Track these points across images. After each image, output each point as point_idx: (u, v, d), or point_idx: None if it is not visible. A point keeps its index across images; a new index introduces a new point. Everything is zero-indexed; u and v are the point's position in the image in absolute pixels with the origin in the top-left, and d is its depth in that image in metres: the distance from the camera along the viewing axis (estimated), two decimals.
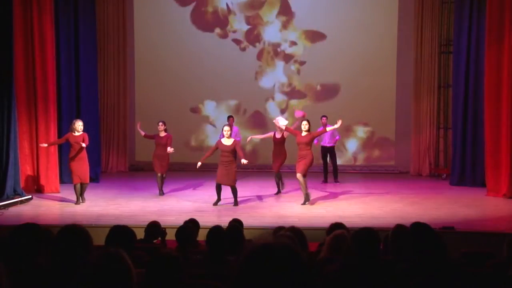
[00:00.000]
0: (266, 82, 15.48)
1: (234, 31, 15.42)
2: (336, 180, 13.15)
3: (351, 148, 15.24)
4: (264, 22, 15.41)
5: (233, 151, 10.08)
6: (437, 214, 9.40)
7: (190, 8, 15.47)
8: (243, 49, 15.40)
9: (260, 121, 15.21)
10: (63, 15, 12.34)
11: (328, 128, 10.73)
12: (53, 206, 10.33)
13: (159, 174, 11.15)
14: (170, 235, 5.94)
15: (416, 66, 14.85)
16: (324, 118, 12.97)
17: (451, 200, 10.84)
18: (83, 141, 10.15)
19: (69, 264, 2.96)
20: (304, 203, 10.11)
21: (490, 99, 11.36)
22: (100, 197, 10.90)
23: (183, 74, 15.40)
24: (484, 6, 11.70)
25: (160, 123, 11.19)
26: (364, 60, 15.09)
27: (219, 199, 10.13)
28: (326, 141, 13.16)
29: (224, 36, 15.42)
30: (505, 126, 11.11)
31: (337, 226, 5.34)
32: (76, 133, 10.18)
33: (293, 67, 15.48)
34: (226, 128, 10.13)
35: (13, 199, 10.18)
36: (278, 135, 11.19)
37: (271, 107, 15.49)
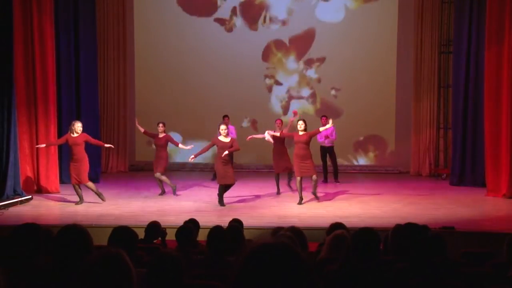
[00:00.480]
0: (268, 83, 15.49)
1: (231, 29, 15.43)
2: (336, 180, 13.15)
3: (351, 148, 15.23)
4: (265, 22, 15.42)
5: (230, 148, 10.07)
6: (437, 214, 9.40)
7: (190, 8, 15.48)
8: (246, 49, 15.40)
9: (261, 121, 15.20)
10: (63, 15, 12.33)
11: (321, 128, 10.69)
12: (53, 206, 10.33)
13: (157, 174, 11.09)
14: (170, 235, 5.94)
15: (416, 66, 14.85)
16: (324, 118, 12.97)
17: (451, 200, 10.84)
18: (84, 142, 10.19)
19: (69, 264, 2.96)
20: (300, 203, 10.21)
21: (490, 99, 11.36)
22: (100, 197, 10.90)
23: (184, 74, 15.40)
24: (484, 6, 11.70)
25: (160, 124, 11.20)
26: (364, 60, 15.09)
27: (221, 199, 10.11)
28: (326, 141, 13.16)
29: (226, 35, 15.40)
30: (505, 126, 11.11)
31: (337, 226, 5.34)
32: (75, 134, 10.17)
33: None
34: (223, 126, 10.15)
35: (13, 199, 10.17)
36: (278, 134, 11.23)
37: (274, 107, 15.49)
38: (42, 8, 11.28)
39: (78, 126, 10.19)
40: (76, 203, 10.19)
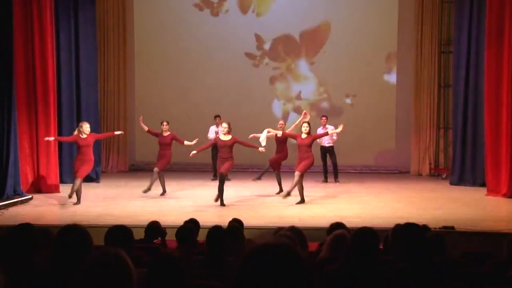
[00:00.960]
0: (269, 84, 15.49)
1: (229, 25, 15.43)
2: (336, 180, 13.16)
3: (351, 148, 15.23)
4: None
5: (231, 147, 10.05)
6: (437, 214, 9.39)
7: (190, 7, 15.47)
8: (246, 49, 15.40)
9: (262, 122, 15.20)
10: (63, 15, 12.34)
11: (330, 131, 10.63)
12: (53, 206, 10.32)
13: (155, 169, 10.99)
14: (170, 235, 5.94)
15: (416, 65, 14.86)
16: (324, 118, 12.98)
17: (451, 200, 10.84)
18: (93, 142, 10.25)
19: (69, 264, 2.96)
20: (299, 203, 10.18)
21: (490, 98, 11.36)
22: (101, 197, 10.91)
23: (184, 74, 15.41)
24: (484, 5, 11.70)
25: (165, 123, 11.15)
26: (364, 60, 15.09)
27: (222, 199, 10.05)
28: (325, 141, 13.16)
29: (227, 35, 15.40)
30: (505, 126, 11.11)
31: (337, 226, 5.34)
32: (84, 136, 10.12)
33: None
34: (224, 125, 10.14)
35: (13, 199, 10.17)
36: (280, 133, 11.24)
37: (275, 108, 15.49)
38: (42, 8, 11.28)
39: (86, 127, 10.16)
40: (74, 203, 10.18)
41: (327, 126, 12.77)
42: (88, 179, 12.83)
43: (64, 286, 2.77)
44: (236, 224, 5.87)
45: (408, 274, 3.54)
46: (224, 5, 15.47)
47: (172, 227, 6.05)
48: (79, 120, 12.85)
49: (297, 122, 11.80)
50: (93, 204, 10.14)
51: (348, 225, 5.58)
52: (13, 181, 10.46)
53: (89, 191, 11.54)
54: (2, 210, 9.53)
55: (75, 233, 3.13)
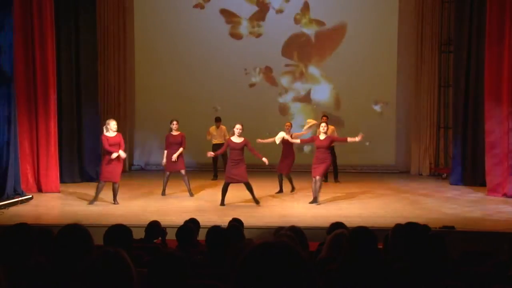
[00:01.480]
0: (269, 84, 15.48)
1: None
2: (336, 179, 13.16)
3: (351, 148, 15.22)
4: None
5: (243, 149, 10.01)
6: (437, 213, 9.40)
7: (191, 7, 15.46)
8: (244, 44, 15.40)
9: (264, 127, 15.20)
10: (63, 15, 12.34)
11: (350, 139, 10.42)
12: (53, 206, 10.33)
13: (167, 173, 10.94)
14: (170, 235, 5.94)
15: (417, 65, 14.87)
16: (324, 117, 12.97)
17: (451, 199, 10.85)
18: (119, 144, 9.97)
19: (69, 263, 2.96)
20: (312, 202, 10.13)
21: (491, 98, 11.35)
22: (101, 197, 10.90)
23: (184, 74, 15.40)
24: (484, 5, 11.69)
25: (174, 122, 10.99)
26: (364, 59, 15.09)
27: (223, 199, 10.04)
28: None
29: (227, 34, 15.39)
30: (505, 126, 11.10)
31: (337, 225, 5.34)
32: (112, 134, 10.00)
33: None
34: (238, 126, 10.00)
35: (13, 198, 10.18)
36: (287, 136, 11.27)
37: (281, 109, 15.51)
38: (42, 8, 11.29)
39: (114, 124, 9.99)
40: (90, 202, 10.09)
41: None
42: (88, 178, 12.87)
43: (64, 285, 2.77)
44: (236, 224, 5.87)
45: (408, 274, 3.54)
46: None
47: (172, 227, 6.05)
48: (79, 120, 12.89)
49: (306, 127, 11.72)
50: (93, 204, 10.14)
51: (348, 225, 5.58)
52: (13, 180, 10.46)
53: (89, 190, 11.54)
54: (2, 210, 9.54)
55: (76, 232, 3.13)
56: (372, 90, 15.11)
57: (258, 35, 15.42)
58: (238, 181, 9.93)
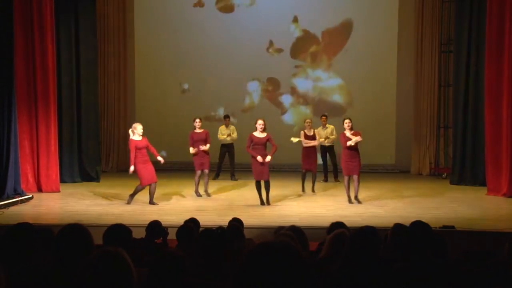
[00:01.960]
0: (270, 85, 15.49)
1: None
2: (336, 179, 13.16)
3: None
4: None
5: (266, 144, 9.93)
6: (438, 213, 9.40)
7: (191, 7, 15.46)
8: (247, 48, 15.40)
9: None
10: (63, 15, 12.35)
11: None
12: (54, 206, 10.33)
13: (199, 172, 10.90)
14: (170, 235, 5.94)
15: (417, 65, 14.87)
16: (324, 117, 12.98)
17: (452, 199, 10.85)
18: (147, 147, 9.96)
19: (70, 263, 2.96)
20: (356, 201, 10.22)
21: (491, 98, 11.36)
22: (101, 197, 10.91)
23: (184, 74, 15.40)
24: (484, 4, 11.70)
25: (197, 120, 10.97)
26: (364, 59, 15.10)
27: (262, 197, 9.97)
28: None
29: (228, 34, 15.39)
30: (505, 125, 11.11)
31: (337, 225, 5.34)
32: (138, 138, 9.94)
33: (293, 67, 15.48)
34: (260, 121, 9.95)
35: (13, 198, 10.18)
36: (309, 133, 11.28)
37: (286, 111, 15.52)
38: (42, 8, 11.29)
39: (141, 128, 9.94)
40: (127, 202, 10.06)
41: (326, 125, 12.77)
42: (88, 178, 12.88)
43: (65, 285, 2.78)
44: (236, 224, 5.87)
45: (408, 274, 3.54)
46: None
47: (172, 227, 6.05)
48: (79, 120, 12.87)
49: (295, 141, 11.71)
50: (93, 204, 10.15)
51: (348, 224, 5.58)
52: (13, 180, 10.46)
53: (90, 190, 11.56)
54: (3, 210, 9.54)
55: (76, 232, 3.13)
56: (372, 89, 15.10)
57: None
58: (263, 179, 9.85)
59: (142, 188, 10.08)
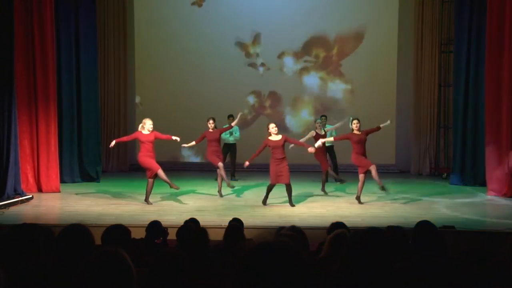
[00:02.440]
0: (270, 84, 15.48)
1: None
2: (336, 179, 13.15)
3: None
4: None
5: (283, 146, 9.92)
6: (438, 213, 9.41)
7: (191, 7, 15.46)
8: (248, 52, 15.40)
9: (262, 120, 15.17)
10: (64, 14, 12.35)
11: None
12: (54, 206, 10.34)
13: (220, 164, 10.86)
14: (170, 235, 5.95)
15: (417, 65, 14.87)
16: (323, 117, 12.98)
17: (452, 199, 10.85)
18: (156, 139, 10.19)
19: (71, 263, 2.97)
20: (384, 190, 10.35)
21: (491, 98, 11.36)
22: (101, 197, 10.92)
23: (185, 74, 15.40)
24: (484, 5, 11.69)
25: (211, 120, 11.10)
26: (364, 59, 15.09)
27: (267, 198, 10.02)
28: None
29: (229, 35, 15.38)
30: (505, 125, 11.11)
31: (337, 225, 5.35)
32: (147, 132, 10.15)
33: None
34: (273, 125, 10.00)
35: (13, 198, 10.18)
36: (320, 132, 11.31)
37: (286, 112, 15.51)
38: (42, 8, 11.29)
39: (150, 124, 10.14)
40: (147, 202, 10.14)
41: (326, 125, 12.78)
42: (89, 178, 12.88)
43: (65, 285, 2.78)
44: (236, 224, 5.88)
45: (408, 274, 3.54)
46: None
47: (172, 227, 6.06)
48: (79, 120, 12.88)
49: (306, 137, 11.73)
50: (94, 204, 10.15)
51: (348, 224, 5.59)
52: (14, 180, 10.46)
53: (90, 190, 11.56)
54: (3, 210, 9.54)
55: (78, 232, 3.13)
56: (373, 89, 15.10)
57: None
58: (282, 183, 9.86)
59: (153, 180, 10.10)
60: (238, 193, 11.34)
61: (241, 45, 15.37)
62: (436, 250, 3.86)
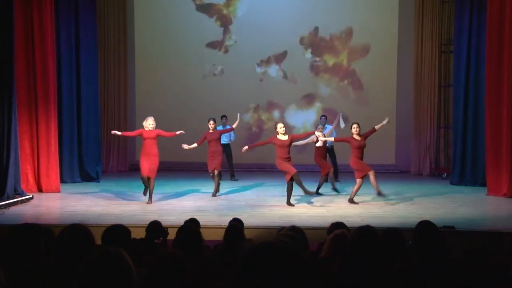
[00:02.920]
0: (269, 84, 15.49)
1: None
2: (336, 179, 13.14)
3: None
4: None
5: (289, 146, 9.93)
6: (438, 213, 9.40)
7: (191, 6, 15.46)
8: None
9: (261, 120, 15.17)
10: (64, 14, 12.35)
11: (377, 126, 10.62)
12: (54, 206, 10.34)
13: (214, 172, 10.91)
14: (171, 235, 5.94)
15: (417, 65, 14.86)
16: (323, 117, 12.98)
17: (452, 199, 10.85)
18: (158, 136, 10.22)
19: (71, 263, 2.97)
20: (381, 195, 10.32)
21: (491, 98, 11.36)
22: (101, 197, 10.91)
23: (185, 74, 15.39)
24: (484, 5, 11.70)
25: (211, 121, 11.12)
26: (364, 59, 15.09)
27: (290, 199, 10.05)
28: (327, 142, 13.13)
29: (234, 33, 15.39)
30: (505, 126, 11.11)
31: (337, 225, 5.35)
32: (149, 128, 10.22)
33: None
34: (281, 125, 10.03)
35: (13, 198, 10.18)
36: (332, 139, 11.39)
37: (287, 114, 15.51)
38: (42, 8, 11.30)
39: (149, 123, 10.19)
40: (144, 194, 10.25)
41: (326, 125, 12.77)
42: (88, 178, 12.88)
43: (65, 285, 2.78)
44: (236, 224, 5.88)
45: (408, 274, 3.54)
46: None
47: (172, 227, 6.05)
48: (79, 119, 12.88)
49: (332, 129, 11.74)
50: (93, 204, 10.15)
51: (348, 224, 5.59)
52: (14, 180, 10.45)
53: (89, 190, 11.56)
54: (3, 210, 9.54)
55: (78, 232, 3.13)
56: (372, 89, 15.10)
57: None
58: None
59: (143, 178, 10.21)
60: (238, 193, 11.33)
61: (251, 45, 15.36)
62: (437, 250, 3.86)
